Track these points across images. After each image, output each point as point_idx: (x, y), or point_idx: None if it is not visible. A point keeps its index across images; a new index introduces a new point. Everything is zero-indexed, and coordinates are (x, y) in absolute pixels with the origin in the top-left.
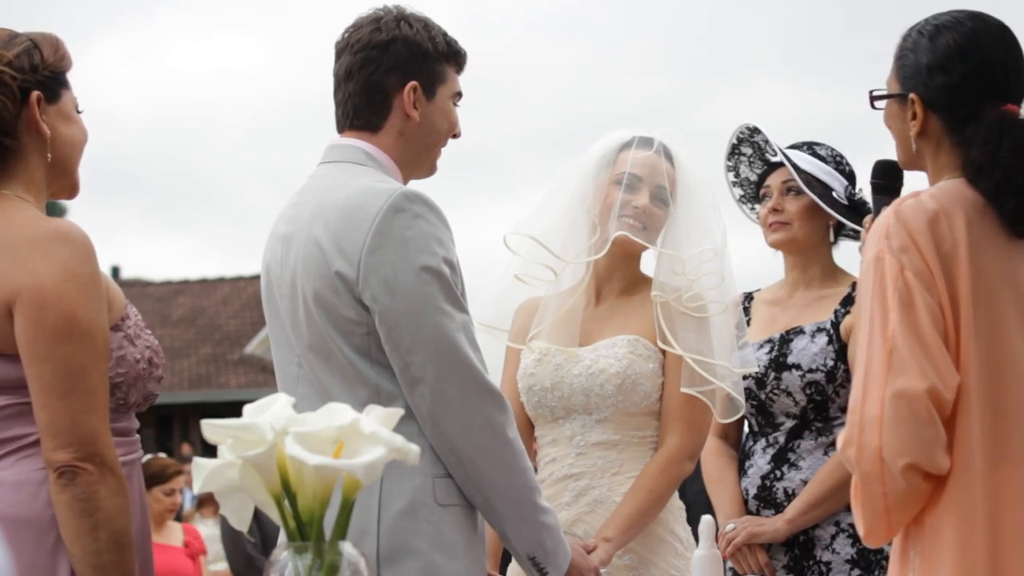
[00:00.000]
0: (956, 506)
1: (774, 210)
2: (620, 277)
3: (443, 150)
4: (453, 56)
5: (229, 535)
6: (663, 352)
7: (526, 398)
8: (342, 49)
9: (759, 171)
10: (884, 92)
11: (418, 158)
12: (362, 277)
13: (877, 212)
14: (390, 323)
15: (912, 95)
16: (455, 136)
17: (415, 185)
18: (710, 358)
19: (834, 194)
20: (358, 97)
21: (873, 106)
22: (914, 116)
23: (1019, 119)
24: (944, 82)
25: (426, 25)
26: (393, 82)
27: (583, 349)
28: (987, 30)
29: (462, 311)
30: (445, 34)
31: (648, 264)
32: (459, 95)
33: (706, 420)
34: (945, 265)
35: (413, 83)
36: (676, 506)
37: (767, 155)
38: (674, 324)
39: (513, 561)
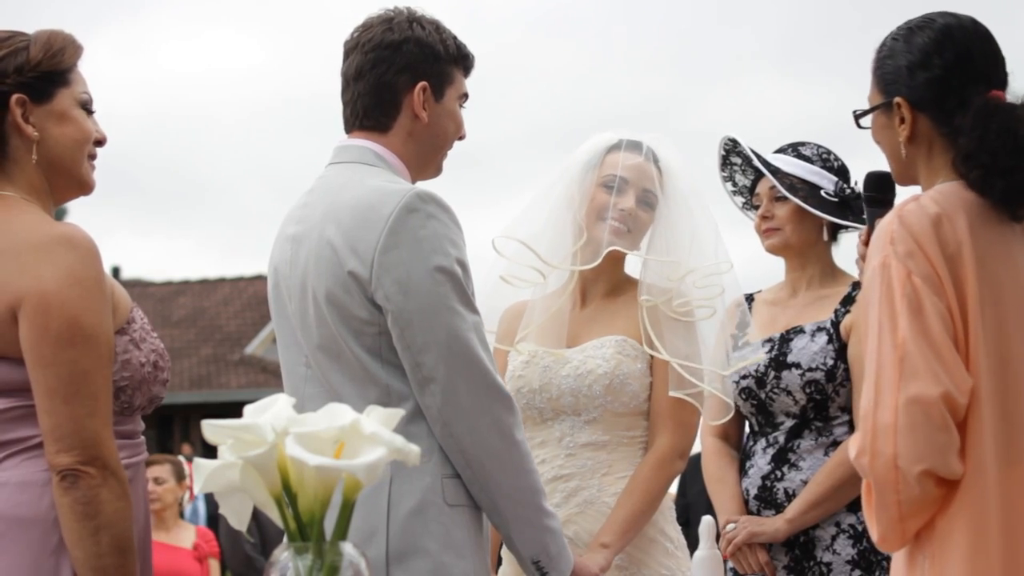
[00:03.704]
0: (968, 509)
1: (764, 217)
2: (606, 280)
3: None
4: (462, 59)
5: (229, 535)
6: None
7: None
8: (351, 48)
9: (750, 178)
10: (867, 108)
11: (426, 159)
12: (375, 276)
13: (871, 225)
14: (403, 323)
15: (897, 99)
16: (461, 138)
17: (426, 186)
18: (696, 362)
19: (822, 192)
20: (368, 97)
21: (859, 125)
22: (902, 120)
23: (1005, 104)
24: (927, 78)
25: (437, 27)
26: (404, 82)
27: (571, 350)
28: (959, 24)
29: (474, 312)
30: (455, 37)
31: (632, 266)
32: (465, 97)
33: (695, 420)
34: (951, 267)
35: (423, 84)
36: (666, 506)
37: (752, 162)
38: (661, 328)
39: (503, 563)
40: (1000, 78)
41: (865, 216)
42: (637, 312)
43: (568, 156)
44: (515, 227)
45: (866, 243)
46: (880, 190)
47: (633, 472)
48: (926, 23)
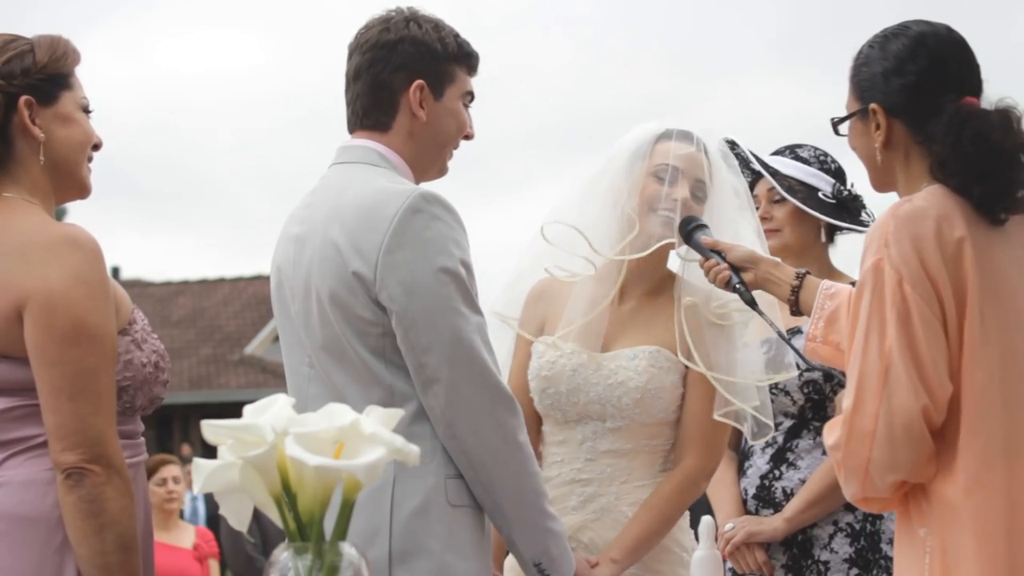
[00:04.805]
0: (975, 504)
1: (763, 218)
2: (649, 276)
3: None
4: (464, 57)
5: (230, 535)
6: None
7: (538, 398)
8: (353, 49)
9: (748, 180)
10: (843, 115)
11: (428, 159)
12: (379, 277)
13: (702, 252)
14: (407, 323)
15: (872, 105)
16: (467, 138)
17: (428, 186)
18: (734, 374)
19: (820, 194)
20: (366, 96)
21: (837, 132)
22: (877, 127)
23: (978, 109)
24: (901, 84)
25: (436, 26)
26: (399, 81)
27: (603, 356)
28: (934, 31)
29: (477, 313)
30: (456, 35)
31: (673, 261)
32: (470, 96)
33: (724, 440)
34: (951, 268)
35: (419, 82)
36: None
37: (751, 164)
38: (701, 335)
39: (507, 562)
40: (974, 84)
41: (697, 253)
42: (674, 317)
43: (612, 147)
44: (557, 214)
45: (702, 265)
46: (687, 224)
47: (656, 487)
48: (901, 31)
